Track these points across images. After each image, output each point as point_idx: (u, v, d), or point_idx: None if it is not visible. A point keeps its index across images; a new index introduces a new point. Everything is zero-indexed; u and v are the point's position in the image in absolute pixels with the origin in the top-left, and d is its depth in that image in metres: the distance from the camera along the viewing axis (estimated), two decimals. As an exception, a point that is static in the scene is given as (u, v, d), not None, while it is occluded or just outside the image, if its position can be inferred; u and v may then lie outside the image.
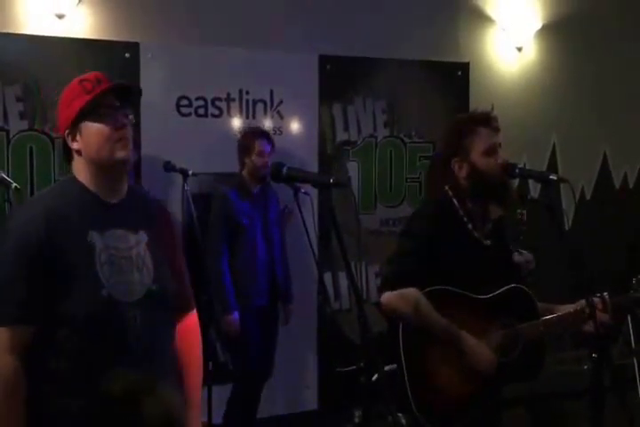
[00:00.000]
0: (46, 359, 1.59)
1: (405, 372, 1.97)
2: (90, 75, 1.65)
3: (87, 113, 1.60)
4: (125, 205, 1.67)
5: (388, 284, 2.04)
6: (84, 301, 1.57)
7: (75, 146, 1.62)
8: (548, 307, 2.17)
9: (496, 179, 2.07)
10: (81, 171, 1.64)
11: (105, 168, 1.63)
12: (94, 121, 1.60)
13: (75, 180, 1.65)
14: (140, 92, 1.69)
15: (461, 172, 2.10)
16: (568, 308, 2.14)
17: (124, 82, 1.69)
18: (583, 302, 2.08)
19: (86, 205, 1.62)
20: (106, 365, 1.57)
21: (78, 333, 1.58)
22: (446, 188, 2.14)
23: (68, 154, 1.66)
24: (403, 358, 1.98)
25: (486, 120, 2.11)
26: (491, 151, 2.08)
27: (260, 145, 3.33)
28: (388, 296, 2.02)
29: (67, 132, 1.62)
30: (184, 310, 1.80)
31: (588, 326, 2.06)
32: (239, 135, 3.53)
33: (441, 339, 2.00)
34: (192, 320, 1.82)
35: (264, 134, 3.40)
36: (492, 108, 2.16)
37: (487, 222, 2.15)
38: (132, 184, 1.73)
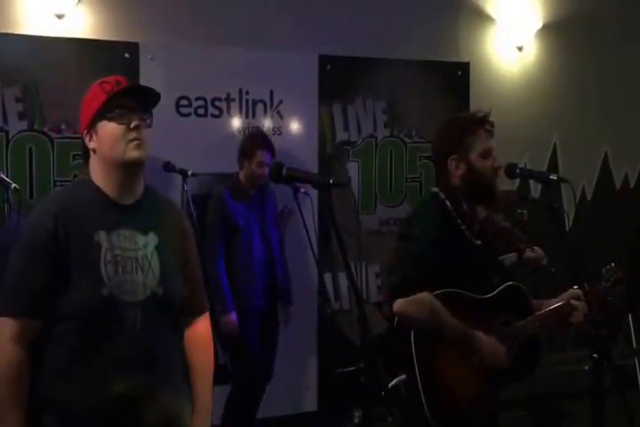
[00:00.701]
0: (47, 356, 1.61)
1: (419, 378, 1.97)
2: (111, 77, 1.69)
3: (104, 113, 1.63)
4: (139, 206, 1.68)
5: (401, 291, 2.02)
6: (85, 298, 1.59)
7: (91, 145, 1.66)
8: (537, 303, 2.20)
9: (488, 181, 2.09)
10: (96, 170, 1.67)
11: (118, 167, 1.65)
12: (109, 120, 1.63)
13: (89, 181, 1.68)
14: (158, 96, 1.70)
15: (458, 170, 2.10)
16: (556, 301, 2.18)
17: (140, 85, 1.73)
18: (568, 293, 2.15)
19: (98, 206, 1.65)
20: (105, 363, 1.58)
21: (78, 330, 1.59)
22: (436, 190, 2.15)
23: (85, 153, 1.70)
24: (416, 365, 1.98)
25: (486, 123, 2.12)
26: (487, 154, 2.10)
27: (260, 156, 3.32)
28: (401, 304, 2.01)
29: (85, 131, 1.66)
30: (195, 315, 1.79)
31: (574, 318, 2.13)
32: (244, 135, 3.53)
33: (455, 340, 2.01)
34: (203, 325, 1.82)
35: (267, 144, 3.36)
36: (491, 111, 2.15)
37: (476, 222, 2.17)
38: (149, 186, 1.75)
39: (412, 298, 2.00)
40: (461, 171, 2.09)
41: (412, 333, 2.00)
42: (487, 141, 2.10)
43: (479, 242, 2.15)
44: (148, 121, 1.67)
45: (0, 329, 1.60)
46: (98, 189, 1.66)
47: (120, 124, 1.62)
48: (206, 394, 1.78)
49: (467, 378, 2.04)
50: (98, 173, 1.67)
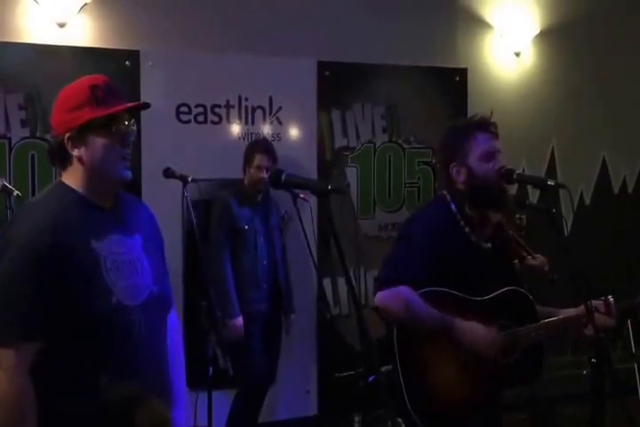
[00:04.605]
0: (57, 366, 1.58)
1: (400, 373, 1.97)
2: (99, 80, 1.62)
3: (96, 126, 1.59)
4: (118, 209, 1.68)
5: (383, 285, 2.05)
6: (96, 308, 1.57)
7: (76, 153, 1.60)
8: (549, 310, 2.17)
9: (493, 184, 2.07)
10: (78, 176, 1.62)
11: (105, 180, 1.64)
12: (103, 136, 1.59)
13: (66, 186, 1.63)
14: (148, 105, 1.70)
15: (459, 176, 2.10)
16: (570, 312, 2.14)
17: (139, 103, 1.69)
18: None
19: (84, 212, 1.62)
20: (117, 369, 1.58)
21: (89, 339, 1.57)
22: (444, 192, 2.16)
23: (63, 155, 1.62)
24: (398, 360, 1.98)
25: (484, 125, 2.11)
26: (488, 156, 2.08)
27: (259, 160, 3.36)
28: (380, 296, 2.03)
29: (67, 136, 1.59)
30: (168, 310, 1.81)
31: (590, 331, 2.06)
32: (248, 143, 3.56)
33: (434, 332, 1.99)
34: (174, 320, 1.83)
35: (266, 150, 3.40)
36: (491, 114, 2.16)
37: (487, 226, 2.15)
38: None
39: (389, 290, 2.01)
40: (463, 176, 2.09)
41: (395, 328, 2.00)
42: (487, 144, 2.08)
43: (489, 245, 2.13)
44: (133, 129, 1.63)
45: (5, 360, 1.53)
46: (79, 195, 1.62)
47: (114, 141, 1.59)
48: (182, 386, 1.78)
49: (457, 378, 2.02)
50: (80, 180, 1.62)
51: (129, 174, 1.63)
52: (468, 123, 2.15)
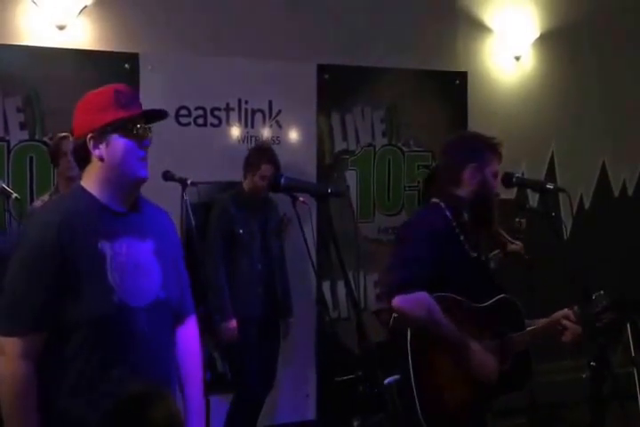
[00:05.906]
0: (60, 371, 1.62)
1: (413, 379, 1.99)
2: (122, 86, 1.71)
3: (119, 127, 1.66)
4: (134, 213, 1.72)
5: (400, 288, 2.03)
6: (96, 306, 1.61)
7: (97, 152, 1.67)
8: (528, 322, 2.22)
9: (492, 202, 2.13)
10: (96, 176, 1.69)
11: (123, 180, 1.68)
12: (125, 136, 1.66)
13: (82, 189, 1.69)
14: (166, 116, 1.76)
15: (473, 179, 2.12)
16: (543, 321, 2.20)
17: (160, 109, 1.75)
18: (559, 313, 2.17)
19: (96, 215, 1.67)
20: (115, 368, 1.61)
21: (92, 341, 1.61)
22: (437, 200, 2.17)
23: (83, 156, 1.69)
24: (411, 366, 1.99)
25: (498, 150, 2.17)
26: (495, 177, 2.15)
27: (265, 170, 3.34)
28: (400, 300, 2.02)
29: (90, 135, 1.66)
30: (184, 316, 1.82)
31: (565, 337, 2.15)
32: (251, 147, 3.56)
33: (448, 344, 2.03)
34: (192, 326, 1.84)
35: (272, 159, 3.39)
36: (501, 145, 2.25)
37: (474, 234, 2.19)
38: (139, 194, 1.78)
39: (410, 295, 2.01)
40: (476, 180, 2.12)
41: (409, 333, 2.02)
42: (497, 166, 2.15)
43: (475, 254, 2.17)
44: (151, 136, 1.71)
45: (8, 348, 1.61)
46: (93, 198, 1.68)
47: (134, 141, 1.66)
48: (199, 397, 1.80)
49: (461, 382, 2.06)
50: (97, 180, 1.68)
51: (146, 174, 1.68)
52: (490, 139, 2.19)
